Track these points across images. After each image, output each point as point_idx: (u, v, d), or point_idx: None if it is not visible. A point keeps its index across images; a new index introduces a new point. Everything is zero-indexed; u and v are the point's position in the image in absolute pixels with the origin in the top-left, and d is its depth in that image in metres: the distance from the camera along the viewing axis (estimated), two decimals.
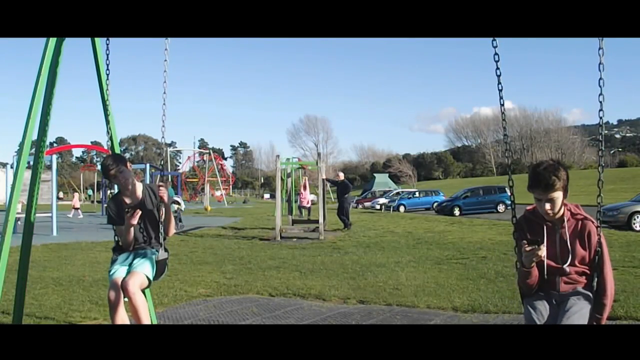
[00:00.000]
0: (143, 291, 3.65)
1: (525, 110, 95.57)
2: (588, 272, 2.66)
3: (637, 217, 15.27)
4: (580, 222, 2.68)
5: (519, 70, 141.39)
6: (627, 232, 13.54)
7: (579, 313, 2.53)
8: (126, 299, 3.53)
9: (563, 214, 2.69)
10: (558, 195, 2.62)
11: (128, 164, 3.78)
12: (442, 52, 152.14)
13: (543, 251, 2.60)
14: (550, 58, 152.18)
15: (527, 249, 2.62)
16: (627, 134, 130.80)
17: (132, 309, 3.49)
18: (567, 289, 2.67)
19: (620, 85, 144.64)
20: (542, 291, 2.72)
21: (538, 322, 2.58)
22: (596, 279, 2.63)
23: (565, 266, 2.65)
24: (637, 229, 14.90)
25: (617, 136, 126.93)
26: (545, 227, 2.71)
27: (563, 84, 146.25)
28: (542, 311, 2.62)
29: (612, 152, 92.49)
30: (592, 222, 2.67)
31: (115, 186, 3.89)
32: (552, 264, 2.68)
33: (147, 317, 3.53)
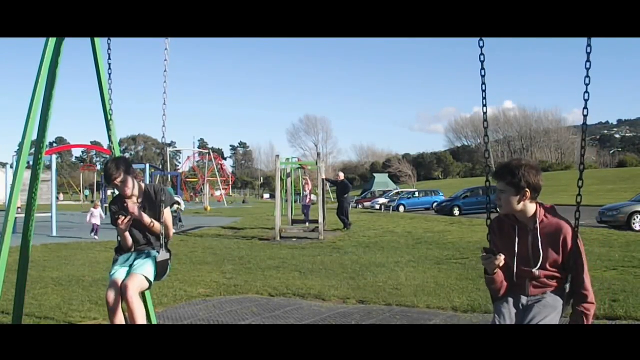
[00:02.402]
0: (144, 292, 3.65)
1: (525, 110, 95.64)
2: (559, 276, 2.57)
3: (637, 217, 15.27)
4: (554, 224, 2.57)
5: (519, 71, 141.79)
6: (627, 232, 13.53)
7: (542, 322, 2.44)
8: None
9: (535, 215, 2.61)
10: (504, 188, 2.59)
11: (131, 169, 3.75)
12: (443, 52, 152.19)
13: (500, 261, 2.56)
14: (550, 58, 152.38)
15: (484, 258, 2.59)
16: (627, 134, 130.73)
17: (129, 312, 3.46)
18: (536, 293, 2.59)
19: (620, 85, 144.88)
20: (512, 295, 2.65)
21: None
22: (570, 284, 2.54)
23: (534, 270, 2.57)
24: (637, 229, 14.89)
25: (617, 136, 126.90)
26: (517, 229, 2.64)
27: (563, 84, 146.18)
28: (506, 316, 2.58)
29: (612, 152, 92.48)
30: (568, 225, 2.57)
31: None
32: (522, 267, 2.61)
33: (143, 321, 3.49)
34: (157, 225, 3.73)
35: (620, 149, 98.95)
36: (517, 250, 2.61)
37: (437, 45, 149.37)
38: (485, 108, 2.90)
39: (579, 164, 2.65)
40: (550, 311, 2.51)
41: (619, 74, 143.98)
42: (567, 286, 2.55)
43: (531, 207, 2.61)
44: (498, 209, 2.73)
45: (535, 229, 2.59)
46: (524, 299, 2.61)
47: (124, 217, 3.61)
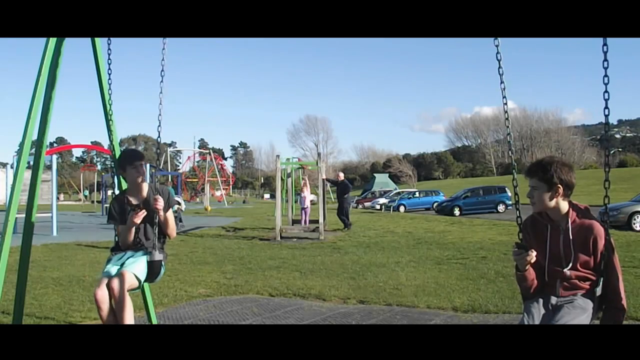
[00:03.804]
0: (145, 291, 3.63)
1: (525, 110, 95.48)
2: (591, 277, 2.54)
3: (637, 217, 15.27)
4: (586, 225, 2.55)
5: (519, 70, 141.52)
6: (627, 232, 13.53)
7: (569, 323, 2.43)
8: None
9: (568, 214, 2.59)
10: (536, 184, 2.58)
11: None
12: (443, 52, 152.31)
13: (532, 257, 2.53)
14: (550, 58, 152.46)
15: (516, 254, 2.58)
16: (627, 134, 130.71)
17: (117, 309, 3.43)
18: (567, 294, 2.56)
19: (620, 85, 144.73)
20: (543, 294, 2.63)
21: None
22: (601, 286, 2.51)
23: (566, 270, 2.55)
24: (637, 229, 14.89)
25: (617, 136, 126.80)
26: (549, 228, 2.62)
27: (563, 84, 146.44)
28: (534, 315, 2.56)
29: (612, 152, 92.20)
30: (600, 225, 2.54)
31: (123, 183, 3.86)
32: (554, 266, 2.58)
33: (130, 319, 3.45)
34: (170, 224, 3.75)
35: (620, 149, 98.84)
36: (548, 250, 2.60)
37: (437, 45, 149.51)
38: (506, 107, 2.89)
39: (601, 165, 2.66)
40: (580, 312, 2.48)
41: (619, 74, 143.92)
42: (598, 289, 2.51)
43: (564, 206, 2.60)
44: (533, 206, 2.70)
45: (567, 228, 2.57)
46: (553, 299, 2.59)
47: (139, 210, 3.63)
